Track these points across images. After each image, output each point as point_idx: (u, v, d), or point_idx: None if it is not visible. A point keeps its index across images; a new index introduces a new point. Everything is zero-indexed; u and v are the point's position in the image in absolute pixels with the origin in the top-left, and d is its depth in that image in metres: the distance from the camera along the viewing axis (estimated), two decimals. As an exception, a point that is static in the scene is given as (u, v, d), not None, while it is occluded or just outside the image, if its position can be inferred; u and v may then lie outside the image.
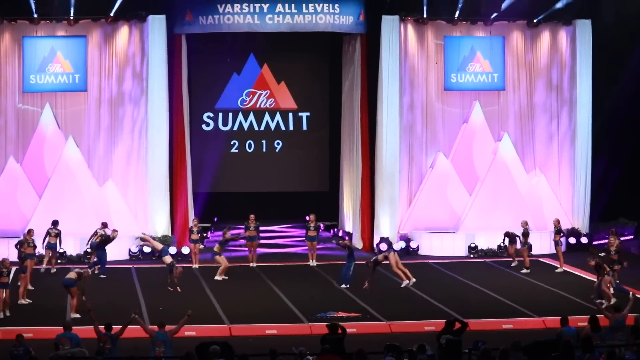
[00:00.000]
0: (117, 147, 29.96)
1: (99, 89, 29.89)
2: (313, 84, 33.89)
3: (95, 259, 25.87)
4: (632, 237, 31.25)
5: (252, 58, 33.23)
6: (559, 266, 26.95)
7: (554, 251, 27.61)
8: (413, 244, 29.62)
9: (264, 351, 14.40)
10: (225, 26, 29.12)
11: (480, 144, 30.97)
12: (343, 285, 24.22)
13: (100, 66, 29.86)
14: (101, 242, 25.93)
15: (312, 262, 27.72)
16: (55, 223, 26.29)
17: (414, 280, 23.65)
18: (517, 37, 31.36)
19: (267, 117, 33.59)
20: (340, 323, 16.30)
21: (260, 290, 24.25)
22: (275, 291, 23.92)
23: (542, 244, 29.15)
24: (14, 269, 22.70)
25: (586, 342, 14.59)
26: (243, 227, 27.87)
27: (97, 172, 29.74)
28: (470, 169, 30.94)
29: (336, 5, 29.22)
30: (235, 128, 33.52)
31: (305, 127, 33.89)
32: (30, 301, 22.39)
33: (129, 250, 28.41)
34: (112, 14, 29.31)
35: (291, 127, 33.77)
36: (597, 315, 16.47)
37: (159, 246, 25.38)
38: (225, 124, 33.49)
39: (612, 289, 22.35)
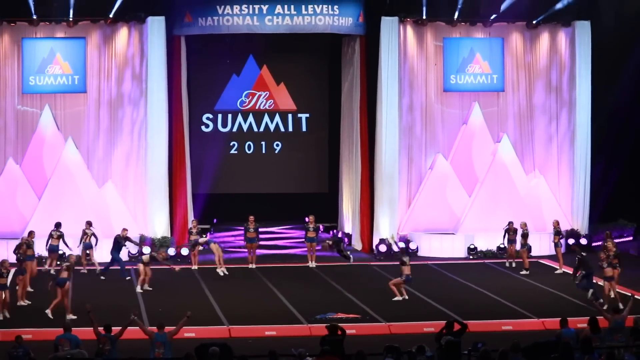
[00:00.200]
0: (117, 149, 29.97)
1: (99, 90, 29.90)
2: (312, 86, 33.90)
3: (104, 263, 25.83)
4: (631, 238, 31.26)
5: (251, 59, 33.25)
6: (558, 267, 26.95)
7: (553, 252, 27.63)
8: (412, 245, 29.61)
9: (263, 352, 14.38)
10: (224, 27, 29.13)
11: (480, 145, 30.98)
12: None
13: (100, 67, 29.87)
14: (114, 242, 25.97)
15: (312, 264, 27.72)
16: (57, 225, 26.29)
17: (405, 297, 23.25)
18: (517, 38, 31.37)
19: (266, 118, 33.61)
20: (339, 324, 16.29)
21: (259, 291, 24.25)
22: (275, 292, 23.92)
23: (541, 245, 29.17)
24: (12, 270, 22.68)
25: (585, 343, 14.59)
26: (242, 228, 27.85)
27: (97, 173, 29.74)
28: (470, 170, 30.95)
29: (335, 7, 29.23)
30: (234, 129, 33.54)
31: (304, 129, 33.90)
32: (30, 302, 22.38)
33: (128, 251, 28.37)
34: (111, 16, 29.32)
35: (290, 129, 33.78)
36: (597, 317, 16.47)
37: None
38: (224, 125, 33.50)
39: (612, 292, 22.38)
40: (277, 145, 33.76)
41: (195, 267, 27.27)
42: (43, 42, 29.67)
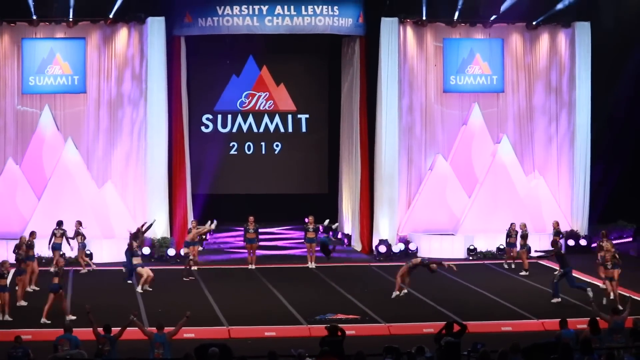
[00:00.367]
0: (116, 149, 29.96)
1: (98, 90, 29.89)
2: (312, 86, 33.92)
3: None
4: (631, 239, 31.26)
5: (251, 60, 33.27)
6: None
7: (552, 253, 27.59)
8: (412, 246, 29.61)
9: (263, 353, 14.39)
10: (224, 28, 29.12)
11: (479, 146, 30.98)
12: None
13: (100, 68, 29.86)
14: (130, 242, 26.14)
15: (311, 264, 27.71)
16: (59, 223, 26.29)
17: (404, 291, 23.28)
18: (516, 39, 31.37)
19: (266, 119, 33.62)
20: (339, 325, 16.28)
21: (259, 292, 24.25)
22: (274, 293, 23.92)
23: (541, 246, 29.08)
24: (12, 271, 22.67)
25: (585, 344, 14.59)
26: (242, 228, 27.85)
27: (96, 173, 29.72)
28: (469, 171, 30.95)
29: (335, 8, 29.22)
30: (234, 130, 33.56)
31: (304, 129, 33.92)
32: (27, 303, 22.34)
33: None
34: (111, 16, 29.31)
35: (290, 129, 33.80)
36: (597, 318, 16.47)
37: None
38: (224, 125, 33.51)
39: (612, 294, 22.39)
40: (277, 145, 33.78)
41: (194, 267, 27.24)
42: (43, 43, 29.67)
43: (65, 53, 29.63)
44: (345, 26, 29.53)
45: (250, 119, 33.58)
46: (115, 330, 16.09)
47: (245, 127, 33.59)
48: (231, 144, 33.53)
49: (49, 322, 20.34)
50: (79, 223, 26.52)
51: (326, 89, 33.79)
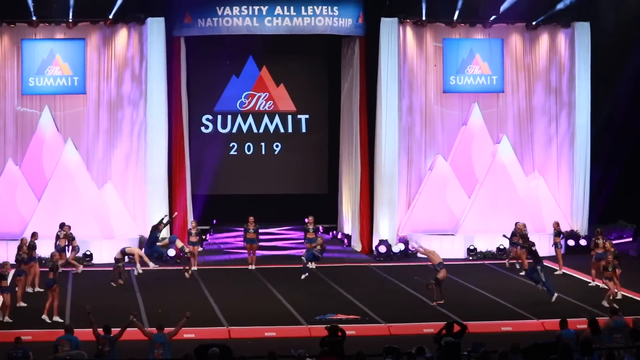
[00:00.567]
0: (116, 150, 29.96)
1: (98, 91, 29.90)
2: (312, 87, 33.91)
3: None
4: (630, 239, 31.27)
5: (251, 60, 33.26)
6: (558, 268, 26.95)
7: (553, 253, 27.60)
8: (412, 246, 29.60)
9: (263, 353, 14.39)
10: (224, 29, 29.12)
11: (479, 147, 30.98)
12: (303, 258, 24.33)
13: (99, 69, 29.87)
14: (150, 236, 26.37)
15: (311, 265, 27.65)
16: (62, 225, 26.27)
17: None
18: (516, 39, 31.37)
19: (266, 119, 33.62)
20: (339, 325, 16.28)
21: (259, 292, 24.25)
22: (274, 293, 23.92)
23: (540, 246, 29.09)
24: (12, 272, 22.66)
25: (585, 344, 14.58)
26: (242, 229, 27.84)
27: (96, 174, 29.73)
28: (469, 172, 30.95)
29: (335, 8, 29.22)
30: (234, 130, 33.55)
31: (304, 130, 33.91)
32: (26, 304, 22.34)
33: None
34: (111, 17, 29.32)
35: (290, 130, 33.80)
36: (597, 318, 16.48)
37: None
38: (224, 126, 33.51)
39: (611, 295, 22.43)
40: (277, 146, 33.77)
41: (194, 267, 27.24)
42: (43, 44, 29.67)
43: (65, 54, 29.63)
44: (345, 26, 29.53)
45: (250, 120, 33.57)
46: (115, 330, 16.09)
47: (245, 128, 33.58)
48: (231, 145, 33.53)
49: (49, 321, 20.34)
50: (69, 227, 26.40)
51: (326, 89, 33.78)
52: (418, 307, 22.42)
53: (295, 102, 33.67)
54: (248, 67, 33.32)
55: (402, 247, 29.44)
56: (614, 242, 26.18)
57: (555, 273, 26.76)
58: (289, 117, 33.76)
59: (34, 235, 24.86)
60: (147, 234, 28.68)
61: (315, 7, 29.10)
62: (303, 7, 29.04)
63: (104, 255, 27.75)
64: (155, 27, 29.11)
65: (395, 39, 29.81)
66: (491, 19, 30.65)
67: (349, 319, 20.68)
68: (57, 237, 26.03)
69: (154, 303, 22.50)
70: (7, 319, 20.82)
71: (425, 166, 31.13)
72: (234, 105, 33.42)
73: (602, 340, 16.06)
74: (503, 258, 28.17)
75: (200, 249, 28.78)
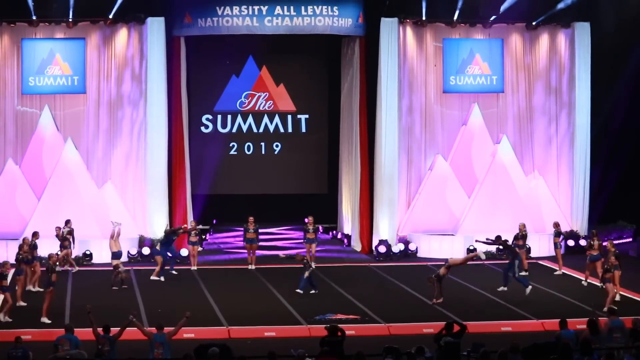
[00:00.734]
0: (116, 149, 29.97)
1: (98, 91, 29.90)
2: (312, 86, 33.92)
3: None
4: (630, 239, 31.26)
5: (251, 60, 33.27)
6: (557, 269, 26.96)
7: (552, 254, 27.61)
8: (412, 246, 29.61)
9: (262, 353, 14.40)
10: (224, 28, 29.12)
11: (479, 147, 30.98)
12: (298, 290, 23.75)
13: (99, 68, 29.87)
14: (165, 239, 26.52)
15: (311, 265, 27.65)
16: (66, 223, 26.29)
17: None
18: (516, 39, 31.37)
19: (266, 119, 33.62)
20: (339, 325, 16.28)
21: (259, 292, 24.24)
22: (274, 293, 23.92)
23: (540, 246, 29.19)
24: (11, 271, 22.65)
25: (585, 344, 14.58)
26: (242, 229, 27.83)
27: (96, 174, 29.73)
28: (469, 172, 30.95)
29: (335, 8, 29.23)
30: (234, 130, 33.56)
31: (304, 130, 33.92)
32: (26, 304, 22.34)
33: (128, 252, 28.34)
34: (111, 16, 29.32)
35: (290, 130, 33.80)
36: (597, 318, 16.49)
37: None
38: (224, 126, 33.51)
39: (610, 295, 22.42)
40: (277, 146, 33.78)
41: (194, 267, 27.27)
42: (43, 43, 29.67)
43: (65, 53, 29.63)
44: (345, 26, 29.53)
45: (250, 119, 33.58)
46: (114, 330, 16.09)
47: (245, 128, 33.59)
48: (231, 144, 33.53)
49: (49, 321, 20.35)
50: (59, 226, 26.39)
51: (326, 89, 33.79)
52: (418, 307, 22.43)
53: (295, 102, 33.68)
54: (248, 66, 33.33)
55: (401, 247, 29.44)
56: (614, 242, 26.15)
57: (555, 273, 26.77)
58: (289, 117, 33.77)
59: (35, 234, 24.87)
60: (147, 234, 28.76)
61: (315, 7, 29.10)
62: (303, 7, 29.04)
63: (104, 255, 27.71)
64: (155, 26, 29.12)
65: (395, 39, 29.81)
66: (491, 19, 30.65)
67: (349, 319, 20.68)
68: (63, 235, 26.00)
69: (153, 303, 22.49)
70: (7, 318, 20.82)
71: (425, 166, 31.14)
72: (233, 105, 33.43)
73: (602, 340, 16.06)
74: (503, 258, 28.15)
75: (200, 248, 28.77)
